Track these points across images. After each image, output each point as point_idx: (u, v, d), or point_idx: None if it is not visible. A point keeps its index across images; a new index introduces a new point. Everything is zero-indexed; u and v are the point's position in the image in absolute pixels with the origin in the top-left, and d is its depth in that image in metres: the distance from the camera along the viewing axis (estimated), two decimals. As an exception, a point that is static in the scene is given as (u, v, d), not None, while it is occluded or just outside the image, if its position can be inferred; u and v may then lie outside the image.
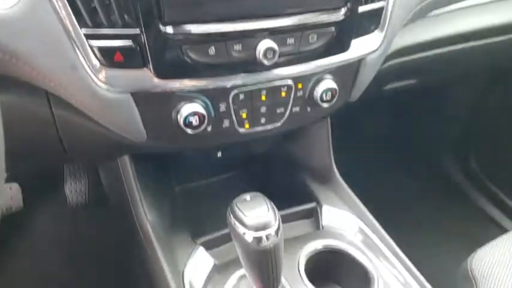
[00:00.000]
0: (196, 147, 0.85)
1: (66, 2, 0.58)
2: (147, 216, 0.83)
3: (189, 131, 0.69)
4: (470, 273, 0.91)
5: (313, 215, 0.93)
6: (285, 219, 0.91)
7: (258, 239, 0.60)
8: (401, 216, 1.32)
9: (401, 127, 1.91)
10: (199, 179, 1.08)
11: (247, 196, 0.64)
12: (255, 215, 0.61)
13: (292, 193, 1.00)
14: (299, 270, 0.79)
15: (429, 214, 1.64)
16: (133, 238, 0.88)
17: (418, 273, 0.81)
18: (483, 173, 1.79)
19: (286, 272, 0.80)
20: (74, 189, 1.42)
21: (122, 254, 1.05)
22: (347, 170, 1.04)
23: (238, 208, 0.62)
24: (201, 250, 0.81)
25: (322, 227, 0.90)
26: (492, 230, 1.61)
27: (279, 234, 0.61)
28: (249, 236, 0.60)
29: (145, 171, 0.88)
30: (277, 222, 0.61)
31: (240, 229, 0.61)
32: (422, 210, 1.66)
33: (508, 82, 1.60)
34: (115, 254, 1.21)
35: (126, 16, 0.59)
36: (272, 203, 0.63)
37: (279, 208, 0.91)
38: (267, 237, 0.60)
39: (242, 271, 0.74)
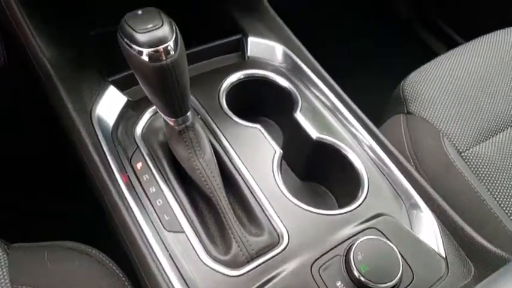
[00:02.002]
0: None
1: None
2: (43, 53, 0.73)
3: None
4: (401, 94, 0.90)
5: (240, 48, 0.85)
6: (209, 54, 0.84)
7: (154, 56, 0.53)
8: (336, 49, 1.27)
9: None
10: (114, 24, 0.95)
11: (139, 11, 0.55)
12: (148, 29, 0.52)
13: (217, 26, 0.90)
14: (219, 101, 0.75)
15: (367, 48, 1.59)
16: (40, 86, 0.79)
17: (346, 97, 0.78)
18: (434, 13, 1.72)
19: (207, 104, 0.75)
20: None
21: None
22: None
23: (128, 25, 0.53)
24: (111, 88, 0.74)
25: (248, 58, 0.83)
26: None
27: (178, 49, 0.54)
28: (144, 55, 0.53)
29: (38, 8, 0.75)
30: (175, 35, 0.53)
31: (133, 48, 0.53)
32: (359, 44, 1.61)
33: None
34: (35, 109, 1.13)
35: None
36: (169, 17, 0.55)
37: (204, 42, 0.83)
38: (165, 52, 0.53)
39: None
